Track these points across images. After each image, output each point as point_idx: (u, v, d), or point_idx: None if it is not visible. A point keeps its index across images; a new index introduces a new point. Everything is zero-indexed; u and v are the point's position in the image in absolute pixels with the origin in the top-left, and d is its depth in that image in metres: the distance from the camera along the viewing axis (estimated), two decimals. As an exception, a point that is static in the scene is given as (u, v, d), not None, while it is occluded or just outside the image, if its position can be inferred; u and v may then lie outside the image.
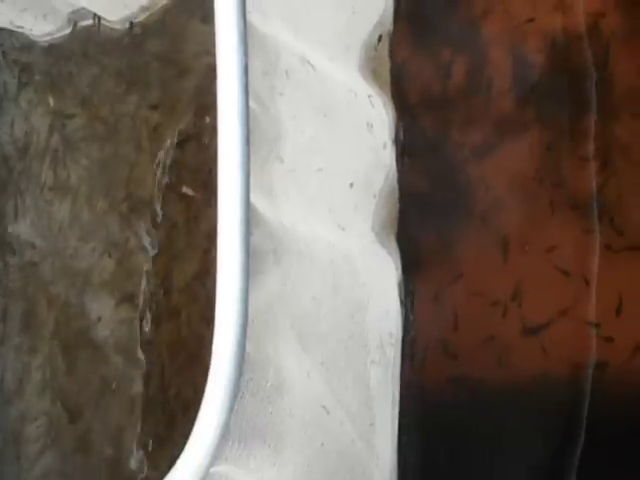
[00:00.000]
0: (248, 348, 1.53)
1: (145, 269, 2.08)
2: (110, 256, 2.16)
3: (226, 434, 1.55)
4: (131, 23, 2.17)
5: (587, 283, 1.66)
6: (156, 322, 2.06)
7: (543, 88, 1.73)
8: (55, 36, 2.32)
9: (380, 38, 1.73)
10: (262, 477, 1.60)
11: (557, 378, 1.68)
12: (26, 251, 2.35)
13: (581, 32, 1.72)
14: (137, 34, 2.16)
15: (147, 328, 2.07)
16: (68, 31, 2.30)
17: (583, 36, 1.72)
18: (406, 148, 1.73)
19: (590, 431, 1.65)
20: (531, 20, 1.73)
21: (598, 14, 1.71)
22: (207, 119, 1.93)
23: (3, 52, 2.44)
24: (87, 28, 2.28)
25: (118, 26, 2.22)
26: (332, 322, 1.64)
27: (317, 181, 1.65)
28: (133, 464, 2.07)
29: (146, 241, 2.09)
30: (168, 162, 2.03)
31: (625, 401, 1.65)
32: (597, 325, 1.65)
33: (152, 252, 2.07)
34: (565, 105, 1.72)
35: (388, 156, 1.69)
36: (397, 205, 1.71)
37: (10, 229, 2.39)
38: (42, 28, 2.33)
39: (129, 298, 2.11)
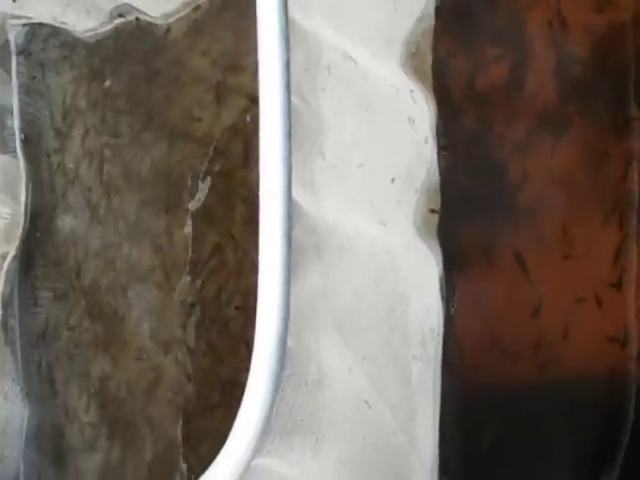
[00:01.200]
0: (290, 343, 1.55)
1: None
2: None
3: (267, 428, 1.56)
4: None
5: (628, 286, 1.65)
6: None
7: (586, 83, 1.72)
8: (98, 32, 2.33)
9: (422, 33, 1.73)
10: (303, 470, 1.62)
11: (603, 377, 1.68)
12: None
13: (625, 26, 1.71)
14: (179, 30, 2.17)
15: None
16: (111, 27, 2.31)
17: (626, 30, 1.71)
18: (448, 143, 1.72)
19: (635, 431, 1.65)
20: (574, 14, 1.72)
21: (641, 8, 1.70)
22: (248, 117, 1.94)
23: (44, 48, 2.46)
24: (130, 23, 2.28)
25: (160, 21, 2.23)
26: (373, 317, 1.64)
27: (359, 176, 1.66)
28: (176, 457, 2.08)
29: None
30: (212, 158, 2.04)
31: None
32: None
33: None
34: (608, 99, 1.71)
35: (430, 151, 1.69)
36: (439, 200, 1.70)
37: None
38: (85, 24, 2.35)
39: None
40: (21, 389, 2.44)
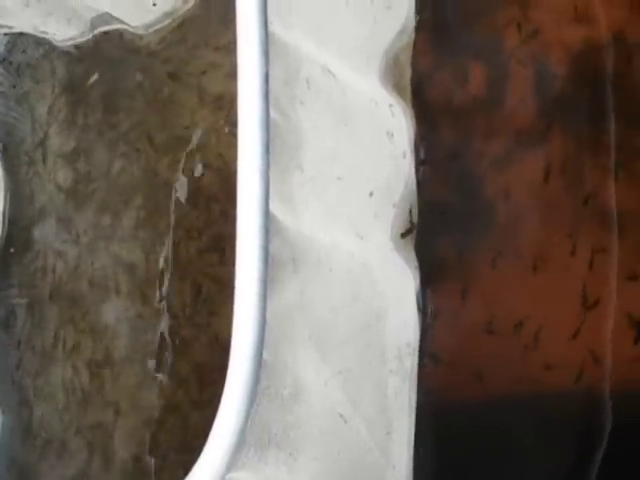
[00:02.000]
0: (266, 355, 1.54)
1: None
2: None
3: (242, 441, 1.55)
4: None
5: (604, 299, 1.66)
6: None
7: (564, 99, 1.72)
8: (78, 41, 2.32)
9: (402, 47, 1.73)
10: (278, 484, 1.61)
11: (577, 392, 1.68)
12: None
13: (603, 42, 1.71)
14: (159, 40, 2.16)
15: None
16: (90, 36, 2.30)
17: (605, 46, 1.71)
18: (426, 157, 1.73)
19: (610, 442, 1.65)
20: (553, 30, 1.73)
21: (622, 24, 1.71)
22: (226, 129, 1.94)
23: (24, 57, 2.45)
24: (109, 33, 2.28)
25: (141, 31, 2.23)
26: (350, 331, 1.64)
27: (337, 190, 1.65)
28: (148, 469, 2.07)
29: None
30: (188, 169, 2.04)
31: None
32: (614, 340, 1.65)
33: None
34: (586, 116, 1.71)
35: (408, 165, 1.69)
36: (416, 214, 1.70)
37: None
38: (65, 33, 2.34)
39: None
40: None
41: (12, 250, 2.43)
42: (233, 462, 1.55)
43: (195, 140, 2.03)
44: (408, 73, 1.74)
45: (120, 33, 2.25)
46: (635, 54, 1.70)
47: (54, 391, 2.31)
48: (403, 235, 1.71)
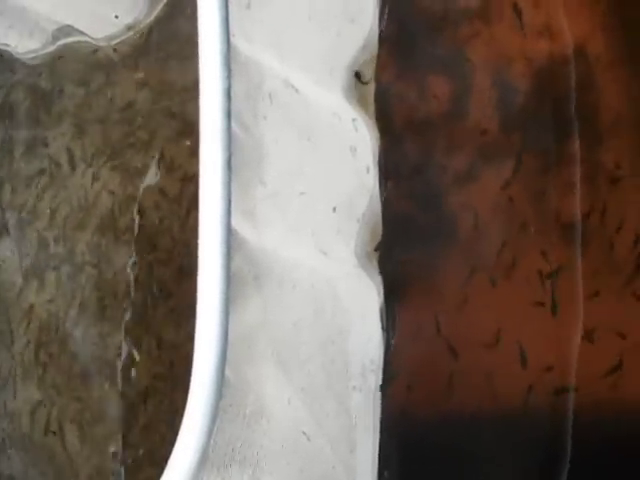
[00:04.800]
0: (228, 373, 1.53)
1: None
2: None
3: (204, 458, 1.54)
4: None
5: (568, 315, 1.66)
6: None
7: (528, 113, 1.72)
8: (39, 54, 2.30)
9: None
10: (240, 504, 1.60)
11: (539, 405, 1.68)
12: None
13: (566, 57, 1.72)
14: (121, 53, 2.15)
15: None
16: (52, 49, 2.28)
17: (568, 61, 1.72)
18: (389, 172, 1.72)
19: (574, 456, 1.65)
20: (516, 45, 1.73)
21: (584, 39, 1.71)
22: (187, 142, 1.92)
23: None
24: (71, 45, 2.26)
25: (103, 44, 2.21)
26: (313, 348, 1.63)
27: (300, 205, 1.65)
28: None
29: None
30: (147, 186, 2.03)
31: (604, 424, 1.65)
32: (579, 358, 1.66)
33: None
34: (550, 130, 1.71)
35: (371, 180, 1.69)
36: (380, 229, 1.70)
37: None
38: (27, 45, 2.32)
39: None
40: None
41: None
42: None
43: (155, 153, 2.02)
44: (372, 87, 1.74)
45: (82, 45, 2.23)
46: (597, 69, 1.70)
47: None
48: (375, 250, 1.70)
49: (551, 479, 1.67)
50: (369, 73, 1.73)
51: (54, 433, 2.20)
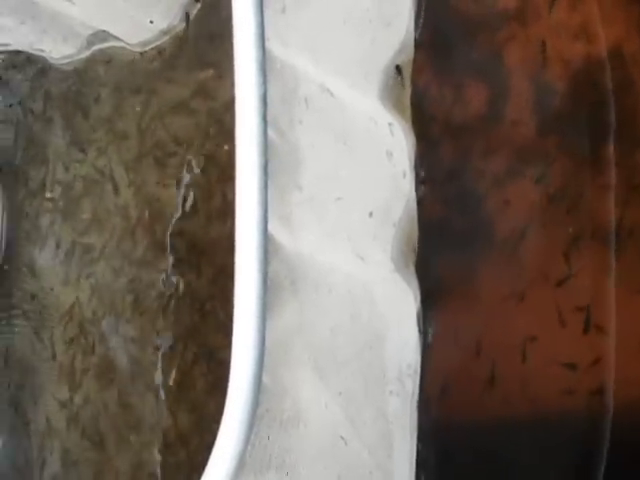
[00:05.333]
0: (265, 379, 1.53)
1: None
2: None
3: (242, 464, 1.54)
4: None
5: (605, 319, 1.65)
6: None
7: (564, 116, 1.71)
8: (74, 59, 2.31)
9: (397, 69, 1.72)
10: (278, 509, 1.60)
11: (576, 407, 1.67)
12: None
13: (602, 59, 1.70)
14: (156, 58, 2.15)
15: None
16: (87, 54, 2.29)
17: (604, 63, 1.70)
18: (426, 176, 1.72)
19: (610, 457, 1.64)
20: (553, 47, 1.72)
21: (620, 41, 1.70)
22: (226, 147, 1.92)
23: (21, 76, 2.45)
24: (106, 51, 2.27)
25: (137, 49, 2.22)
26: (350, 353, 1.62)
27: (336, 210, 1.64)
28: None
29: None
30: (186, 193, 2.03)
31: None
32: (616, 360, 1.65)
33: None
34: (586, 133, 1.70)
35: (408, 185, 1.68)
36: (416, 234, 1.69)
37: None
38: (61, 51, 2.33)
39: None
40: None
41: (12, 266, 2.43)
42: (233, 486, 1.54)
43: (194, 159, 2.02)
44: (408, 91, 1.73)
45: (117, 51, 2.24)
46: (634, 70, 1.69)
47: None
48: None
49: (588, 476, 1.66)
50: (406, 77, 1.73)
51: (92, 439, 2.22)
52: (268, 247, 1.52)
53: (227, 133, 1.88)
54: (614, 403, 1.66)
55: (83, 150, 2.29)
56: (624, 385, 1.66)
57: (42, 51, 2.35)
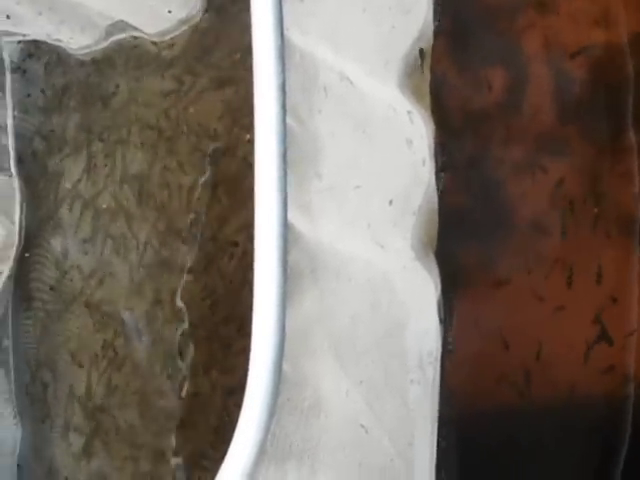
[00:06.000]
0: (285, 367, 1.52)
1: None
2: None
3: (262, 453, 1.54)
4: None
5: (626, 303, 1.64)
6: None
7: (584, 103, 1.71)
8: (92, 49, 2.32)
9: (421, 53, 1.72)
10: (299, 497, 1.60)
11: (600, 395, 1.67)
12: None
13: (622, 46, 1.70)
14: (174, 47, 2.16)
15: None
16: (105, 44, 2.30)
17: (624, 50, 1.70)
18: (446, 164, 1.71)
19: (632, 442, 1.64)
20: (572, 34, 1.71)
21: (640, 27, 1.69)
22: (247, 136, 1.92)
23: (39, 65, 2.45)
24: (124, 41, 2.27)
25: (156, 39, 2.22)
26: (370, 341, 1.62)
27: (356, 198, 1.64)
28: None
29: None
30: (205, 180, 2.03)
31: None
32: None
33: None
34: (606, 120, 1.70)
35: (427, 173, 1.68)
36: (436, 222, 1.69)
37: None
38: (79, 41, 2.33)
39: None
40: (14, 410, 2.42)
41: (32, 255, 2.43)
42: (253, 474, 1.54)
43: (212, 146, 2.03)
44: (427, 79, 1.73)
45: (136, 41, 2.24)
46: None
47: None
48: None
49: (609, 465, 1.65)
50: (425, 64, 1.72)
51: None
52: (288, 236, 1.51)
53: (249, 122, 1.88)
54: (636, 390, 1.65)
55: (102, 139, 2.29)
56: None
57: (60, 41, 2.35)
